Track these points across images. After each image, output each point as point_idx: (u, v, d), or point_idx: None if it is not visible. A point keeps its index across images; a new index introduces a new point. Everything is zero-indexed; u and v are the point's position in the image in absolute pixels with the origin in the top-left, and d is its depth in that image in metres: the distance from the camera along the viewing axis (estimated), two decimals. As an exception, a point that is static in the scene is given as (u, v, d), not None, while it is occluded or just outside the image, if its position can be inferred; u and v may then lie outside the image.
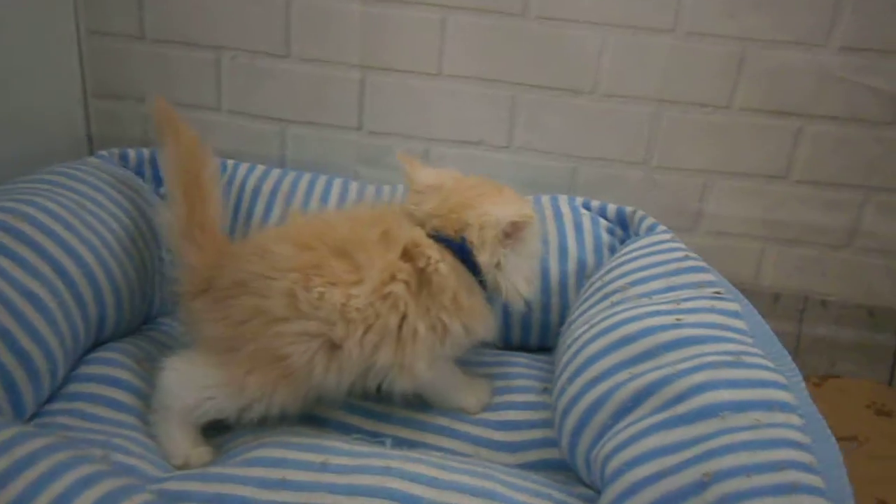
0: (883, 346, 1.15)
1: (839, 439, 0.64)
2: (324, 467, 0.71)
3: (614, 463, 0.66)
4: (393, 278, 0.76)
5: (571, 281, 0.98)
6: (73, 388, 0.83)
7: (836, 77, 1.02)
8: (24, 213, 0.82)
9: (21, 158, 0.99)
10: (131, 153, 1.08)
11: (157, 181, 1.10)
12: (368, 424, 0.84)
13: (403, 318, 0.76)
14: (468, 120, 1.11)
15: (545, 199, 1.05)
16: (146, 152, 1.09)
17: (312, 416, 0.84)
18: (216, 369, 0.74)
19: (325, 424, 0.84)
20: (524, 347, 1.01)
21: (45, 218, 0.83)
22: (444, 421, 0.85)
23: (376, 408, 0.86)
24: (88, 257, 0.85)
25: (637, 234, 0.99)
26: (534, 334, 1.00)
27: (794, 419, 0.62)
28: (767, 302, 1.16)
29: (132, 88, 1.15)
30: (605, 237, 1.01)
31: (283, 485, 0.69)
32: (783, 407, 0.63)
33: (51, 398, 0.81)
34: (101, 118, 1.18)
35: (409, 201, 0.83)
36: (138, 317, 0.95)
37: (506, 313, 0.98)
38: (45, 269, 0.80)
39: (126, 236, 0.92)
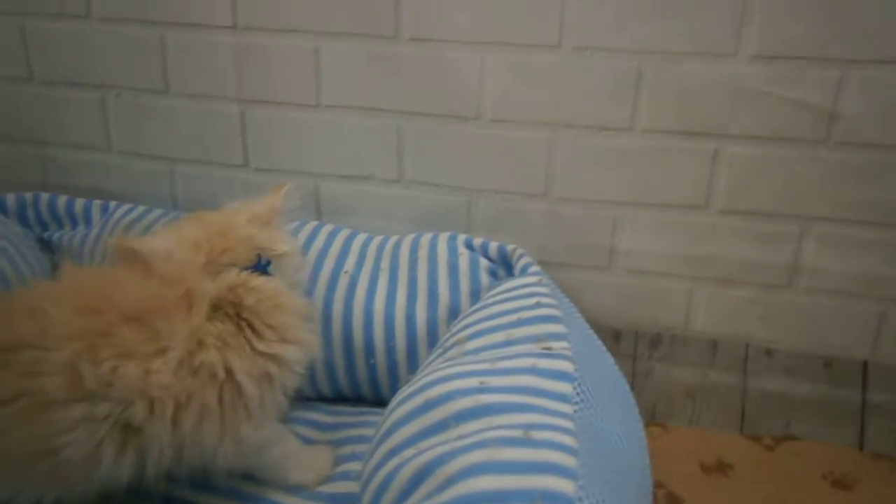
0: (846, 402, 0.98)
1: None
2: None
3: (372, 560, 0.55)
4: (201, 345, 0.66)
5: (442, 329, 0.87)
6: None
7: (753, 90, 0.88)
8: None
9: None
10: (10, 198, 1.06)
11: (43, 226, 1.07)
12: (188, 495, 0.76)
13: (222, 385, 0.66)
14: (355, 153, 1.03)
15: (425, 237, 0.95)
16: (28, 196, 1.07)
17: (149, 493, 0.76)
18: None
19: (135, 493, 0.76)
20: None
21: None
22: (274, 494, 0.76)
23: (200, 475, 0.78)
24: None
25: (516, 276, 0.87)
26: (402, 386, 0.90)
27: (563, 516, 0.49)
28: (704, 350, 1.00)
29: (25, 131, 1.13)
30: (485, 279, 0.89)
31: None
32: (555, 499, 0.50)
33: None
34: (-2, 162, 1.17)
35: (164, 270, 0.68)
36: None
37: (371, 365, 0.88)
38: None
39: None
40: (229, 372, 0.66)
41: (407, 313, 0.88)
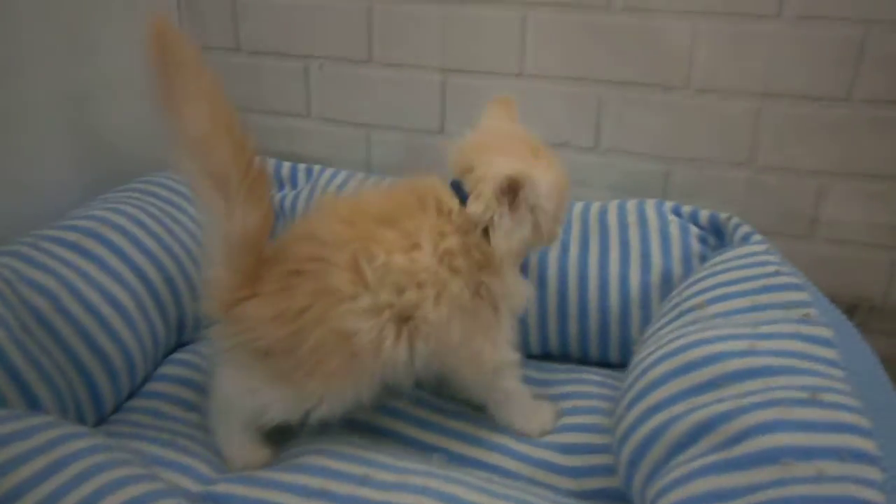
0: None
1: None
2: (364, 481, 0.71)
3: (662, 504, 0.59)
4: (442, 236, 0.73)
5: (654, 293, 0.91)
6: (152, 386, 0.88)
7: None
8: (111, 221, 0.88)
9: (121, 169, 1.05)
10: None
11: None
12: (425, 436, 0.83)
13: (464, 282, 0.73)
14: (552, 120, 1.05)
15: (631, 203, 0.97)
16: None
17: (367, 425, 0.83)
18: (272, 378, 0.72)
19: (380, 433, 0.83)
20: (603, 363, 0.95)
21: (129, 225, 0.89)
22: (504, 440, 0.82)
23: (435, 419, 0.84)
24: (168, 263, 0.90)
25: (732, 244, 0.89)
26: (613, 349, 0.94)
27: (873, 473, 0.52)
28: (901, 321, 1.00)
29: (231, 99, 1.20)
30: (696, 246, 0.92)
31: (322, 495, 0.69)
32: (860, 457, 0.53)
33: (131, 395, 0.87)
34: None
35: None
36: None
37: (584, 325, 0.92)
38: (127, 274, 0.86)
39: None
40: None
41: (620, 276, 0.91)
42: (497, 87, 1.06)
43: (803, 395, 0.59)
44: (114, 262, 0.85)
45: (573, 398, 0.87)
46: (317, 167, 1.12)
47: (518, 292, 0.78)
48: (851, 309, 1.02)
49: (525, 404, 0.82)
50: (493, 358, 0.76)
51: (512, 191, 0.72)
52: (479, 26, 1.03)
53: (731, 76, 0.95)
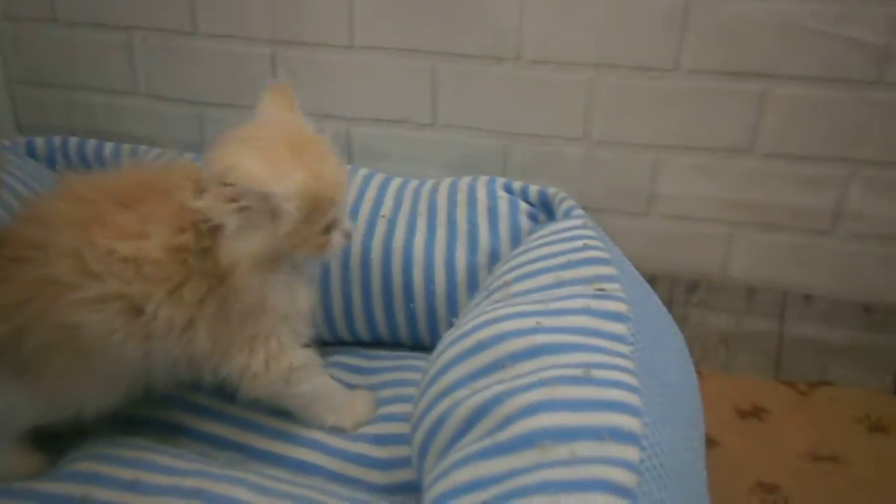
0: (883, 347, 0.97)
1: (818, 458, 0.50)
2: (132, 486, 0.64)
3: (429, 496, 0.55)
4: (179, 230, 0.64)
5: (482, 274, 0.86)
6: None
7: (807, 29, 0.85)
8: None
9: None
10: (39, 142, 1.04)
11: (70, 166, 1.05)
12: (224, 431, 0.77)
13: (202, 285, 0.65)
14: (388, 96, 1.00)
15: (463, 181, 0.93)
16: (57, 140, 1.05)
17: (159, 422, 0.77)
18: (6, 379, 0.64)
19: (172, 431, 0.76)
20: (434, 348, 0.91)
21: None
22: (313, 434, 0.76)
23: (236, 412, 0.78)
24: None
25: (556, 220, 0.86)
26: (442, 332, 0.88)
27: (630, 453, 0.49)
28: (741, 297, 1.00)
29: (52, 74, 1.11)
30: (525, 223, 0.88)
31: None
32: (619, 436, 0.50)
33: None
34: (28, 107, 1.15)
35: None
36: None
37: (410, 309, 0.88)
38: None
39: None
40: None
41: (447, 257, 0.87)
42: (329, 61, 1.00)
43: (577, 372, 0.56)
44: None
45: (394, 386, 0.83)
46: (142, 147, 1.04)
47: (284, 303, 0.69)
48: (692, 287, 1.01)
49: (334, 399, 0.77)
50: (268, 373, 0.69)
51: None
52: (306, -4, 0.97)
53: (562, 47, 0.92)
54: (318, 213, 0.67)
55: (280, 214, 0.64)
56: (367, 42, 0.98)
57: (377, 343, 0.92)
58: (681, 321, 1.00)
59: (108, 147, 1.04)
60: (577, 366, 0.56)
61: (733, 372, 1.02)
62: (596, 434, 0.50)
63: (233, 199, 0.62)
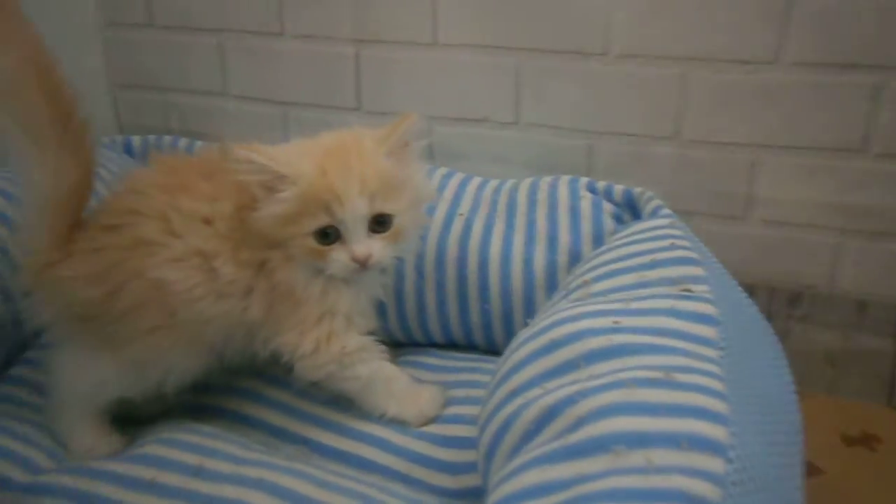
0: None
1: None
2: (196, 472, 0.64)
3: (493, 498, 0.51)
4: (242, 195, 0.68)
5: (562, 275, 0.82)
6: (15, 371, 0.83)
7: (928, 15, 0.77)
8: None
9: None
10: (136, 140, 1.09)
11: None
12: (289, 424, 0.76)
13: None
14: (470, 94, 0.98)
15: (545, 180, 0.89)
16: (152, 139, 1.09)
17: (222, 410, 0.77)
18: (96, 347, 0.68)
19: (235, 420, 0.76)
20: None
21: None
22: (379, 430, 0.74)
23: (299, 404, 0.77)
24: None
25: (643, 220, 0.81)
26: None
27: (714, 464, 0.44)
28: (850, 311, 0.91)
29: (149, 77, 1.16)
30: (609, 223, 0.83)
31: (150, 488, 0.63)
32: (702, 445, 0.45)
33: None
34: (129, 109, 1.20)
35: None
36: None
37: (486, 311, 0.85)
38: None
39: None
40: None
41: (525, 256, 0.83)
42: (411, 59, 0.99)
43: (657, 374, 0.51)
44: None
45: (465, 387, 0.80)
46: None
47: (317, 299, 0.70)
48: (794, 299, 0.93)
49: (394, 385, 0.75)
50: (317, 356, 0.70)
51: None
52: (389, -6, 0.97)
53: (652, 40, 0.87)
54: (309, 210, 0.66)
55: (274, 192, 0.66)
56: (450, 40, 0.97)
57: (450, 345, 0.90)
58: (781, 336, 0.92)
59: (199, 145, 1.07)
60: (657, 368, 0.51)
61: (840, 394, 0.93)
62: (675, 441, 0.45)
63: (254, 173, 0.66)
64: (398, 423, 0.75)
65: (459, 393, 0.79)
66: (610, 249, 0.72)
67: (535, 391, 0.56)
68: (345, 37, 1.02)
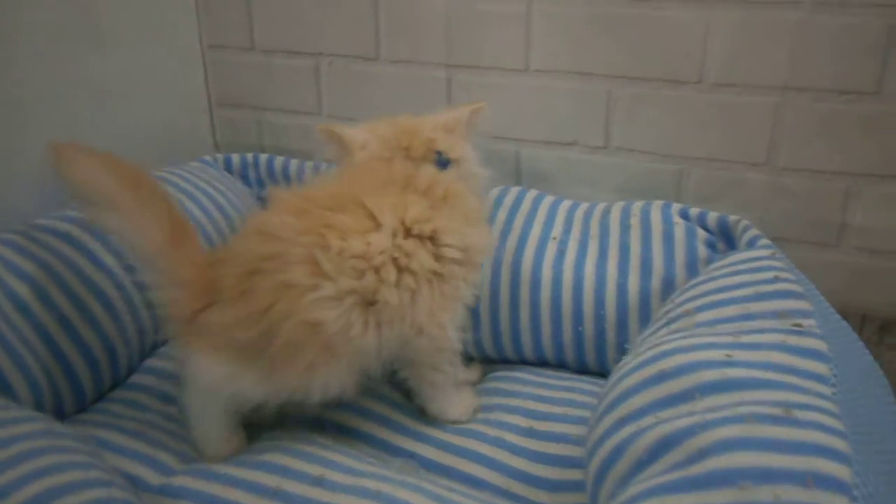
0: None
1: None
2: (318, 482, 0.68)
3: (612, 525, 0.54)
4: (407, 206, 0.73)
5: (655, 301, 0.85)
6: (136, 378, 0.88)
7: None
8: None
9: (167, 154, 1.08)
10: (235, 158, 1.14)
11: (260, 185, 1.15)
12: (396, 439, 0.80)
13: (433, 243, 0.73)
14: (560, 118, 1.01)
15: (636, 205, 0.92)
16: (249, 157, 1.14)
17: (332, 423, 0.81)
18: (248, 368, 0.69)
19: (345, 433, 0.80)
20: (602, 372, 0.90)
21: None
22: (483, 448, 0.78)
23: (405, 421, 0.81)
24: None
25: (739, 249, 0.82)
26: (610, 357, 0.88)
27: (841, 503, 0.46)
28: (944, 341, 0.91)
29: (246, 97, 1.22)
30: (703, 251, 0.85)
31: (275, 495, 0.68)
32: (828, 484, 0.47)
33: (114, 386, 0.87)
34: (224, 126, 1.26)
35: (360, 158, 0.79)
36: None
37: (578, 332, 0.87)
38: (117, 268, 0.86)
39: (202, 238, 0.96)
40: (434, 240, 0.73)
41: (618, 282, 0.86)
42: (503, 84, 1.02)
43: (776, 411, 0.53)
44: (105, 256, 0.86)
45: (563, 405, 0.82)
46: (323, 165, 1.11)
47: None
48: (887, 326, 0.93)
49: (454, 390, 0.81)
50: (437, 339, 0.75)
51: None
52: (484, 20, 1.00)
53: (749, 69, 0.89)
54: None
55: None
56: (542, 66, 0.99)
57: (541, 363, 0.93)
58: (871, 363, 0.93)
59: (294, 164, 1.12)
60: (775, 404, 0.53)
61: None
62: (801, 479, 0.47)
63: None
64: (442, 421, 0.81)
65: (556, 410, 0.82)
66: (711, 279, 0.74)
67: (648, 419, 0.59)
68: (437, 62, 1.05)
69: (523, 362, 0.93)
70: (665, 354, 0.63)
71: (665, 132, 0.95)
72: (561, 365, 0.92)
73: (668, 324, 0.72)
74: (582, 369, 0.90)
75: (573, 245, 0.90)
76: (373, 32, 1.08)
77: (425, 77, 1.07)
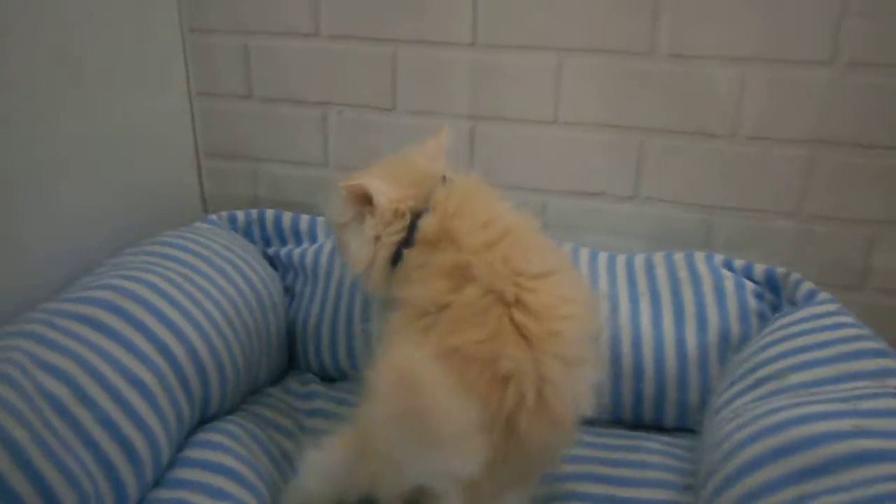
0: None
1: None
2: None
3: None
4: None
5: (713, 355, 0.86)
6: (178, 473, 0.80)
7: None
8: (129, 291, 0.80)
9: (141, 223, 0.99)
10: (240, 215, 1.07)
11: (266, 242, 1.08)
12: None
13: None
14: (589, 169, 1.01)
15: (679, 256, 0.93)
16: (254, 213, 1.07)
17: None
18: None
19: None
20: (657, 427, 0.90)
21: (150, 295, 0.81)
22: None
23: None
24: (192, 335, 0.82)
25: (793, 302, 0.85)
26: (669, 414, 0.88)
27: None
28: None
29: (241, 147, 1.14)
30: (753, 303, 0.87)
31: None
32: None
33: (156, 484, 0.78)
34: (213, 178, 1.18)
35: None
36: (244, 390, 0.92)
37: (638, 389, 0.87)
38: (150, 351, 0.78)
39: (231, 308, 0.89)
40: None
41: (676, 337, 0.86)
42: (530, 135, 1.01)
43: (931, 485, 0.54)
44: (135, 337, 0.77)
45: (638, 467, 0.81)
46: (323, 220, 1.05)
47: None
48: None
49: None
50: None
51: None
52: (511, 72, 0.99)
53: (781, 124, 0.92)
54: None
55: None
56: (571, 118, 0.99)
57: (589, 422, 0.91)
58: None
59: (304, 220, 1.06)
60: (925, 477, 0.55)
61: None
62: None
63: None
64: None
65: (632, 474, 0.80)
66: (791, 337, 0.76)
67: (789, 492, 0.59)
68: (460, 113, 1.03)
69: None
70: (787, 424, 0.63)
71: (694, 182, 0.97)
72: (616, 420, 0.91)
73: (756, 385, 0.73)
74: (638, 424, 0.90)
75: (623, 300, 0.90)
76: (389, 82, 1.04)
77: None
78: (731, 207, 0.98)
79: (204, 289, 0.87)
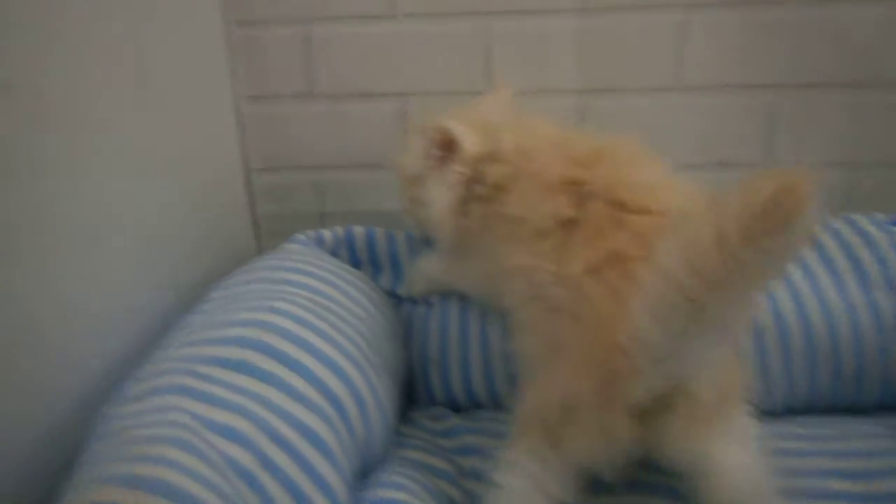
0: None
1: None
2: None
3: None
4: None
5: (909, 316, 0.78)
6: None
7: None
8: (268, 323, 0.64)
9: (187, 254, 0.83)
10: (326, 235, 0.90)
11: (355, 262, 0.91)
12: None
13: None
14: (713, 137, 0.92)
15: (837, 221, 0.85)
16: (340, 231, 0.91)
17: None
18: None
19: None
20: (855, 409, 0.80)
21: (292, 325, 0.65)
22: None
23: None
24: (348, 367, 0.66)
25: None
26: (869, 390, 0.79)
27: None
28: None
29: (300, 155, 0.99)
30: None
31: None
32: None
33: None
34: (265, 195, 1.01)
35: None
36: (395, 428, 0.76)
37: (838, 368, 0.78)
38: (309, 391, 0.62)
39: (369, 333, 0.74)
40: None
41: (870, 304, 0.78)
42: (647, 104, 0.92)
43: None
44: (295, 380, 0.61)
45: (871, 457, 0.71)
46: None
47: None
48: None
49: None
50: None
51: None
52: (628, 34, 0.89)
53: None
54: None
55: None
56: (695, 82, 0.90)
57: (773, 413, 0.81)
58: None
59: (400, 237, 0.91)
60: None
61: None
62: None
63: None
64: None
65: (872, 465, 0.70)
66: None
67: None
68: (569, 88, 0.92)
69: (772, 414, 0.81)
70: None
71: (833, 140, 0.91)
72: (809, 409, 0.81)
73: None
74: (832, 408, 0.80)
75: (794, 270, 0.81)
76: (481, 65, 0.92)
77: (553, 106, 0.93)
78: (873, 162, 0.91)
79: (339, 314, 0.72)
